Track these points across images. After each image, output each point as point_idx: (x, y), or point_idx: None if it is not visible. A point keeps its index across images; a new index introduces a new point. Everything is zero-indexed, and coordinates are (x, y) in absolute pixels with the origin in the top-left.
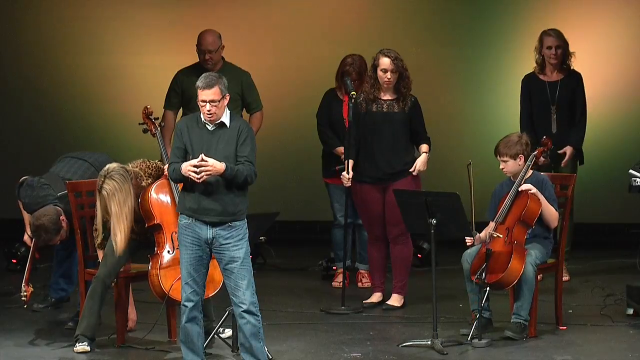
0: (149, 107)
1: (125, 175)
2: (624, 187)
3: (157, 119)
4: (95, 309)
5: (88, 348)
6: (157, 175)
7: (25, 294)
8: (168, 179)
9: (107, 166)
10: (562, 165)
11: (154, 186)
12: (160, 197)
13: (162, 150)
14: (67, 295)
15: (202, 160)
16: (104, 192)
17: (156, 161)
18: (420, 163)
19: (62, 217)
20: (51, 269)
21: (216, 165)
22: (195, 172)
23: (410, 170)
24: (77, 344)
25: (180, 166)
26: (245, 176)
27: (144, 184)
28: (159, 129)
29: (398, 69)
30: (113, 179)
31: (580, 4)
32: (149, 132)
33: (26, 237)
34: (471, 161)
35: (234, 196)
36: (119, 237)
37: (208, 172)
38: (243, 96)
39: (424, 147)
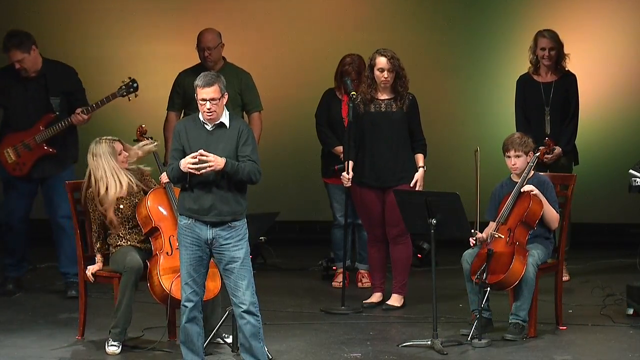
0: (143, 126)
1: (104, 143)
2: (623, 187)
3: (151, 137)
4: (128, 300)
5: (117, 351)
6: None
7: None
8: (165, 187)
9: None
10: (546, 163)
11: (151, 193)
12: (157, 202)
13: (158, 165)
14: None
15: (201, 155)
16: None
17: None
18: (420, 179)
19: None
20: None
21: (217, 160)
22: (194, 167)
23: (410, 185)
24: (110, 343)
25: (178, 164)
26: (248, 172)
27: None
28: (153, 144)
29: (395, 68)
30: (94, 143)
31: (578, 5)
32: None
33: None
34: (478, 148)
35: (233, 196)
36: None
37: (210, 166)
38: (242, 96)
39: (421, 160)
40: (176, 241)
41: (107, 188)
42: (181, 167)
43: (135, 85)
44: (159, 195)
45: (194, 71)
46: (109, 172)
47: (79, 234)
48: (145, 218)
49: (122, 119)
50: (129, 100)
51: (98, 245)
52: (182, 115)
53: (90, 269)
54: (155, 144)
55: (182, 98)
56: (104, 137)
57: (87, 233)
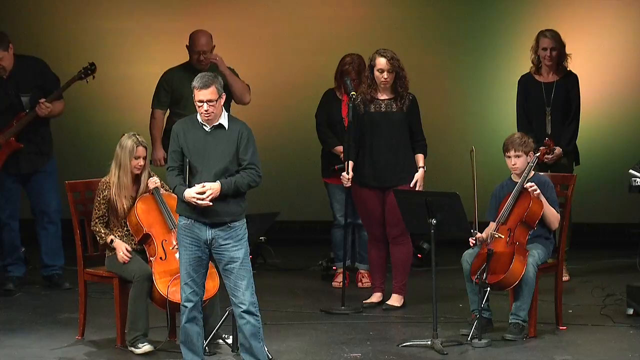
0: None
1: (132, 140)
2: (623, 187)
3: None
4: (145, 307)
5: (151, 347)
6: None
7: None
8: (152, 193)
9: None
10: (547, 162)
11: (139, 200)
12: (146, 209)
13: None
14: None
15: (201, 192)
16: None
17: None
18: (420, 180)
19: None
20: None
21: (213, 187)
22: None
23: (410, 185)
24: (139, 344)
25: (181, 191)
26: (247, 183)
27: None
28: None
29: (394, 69)
30: (126, 135)
31: (579, 5)
32: None
33: None
34: (474, 147)
35: (232, 198)
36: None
37: (211, 197)
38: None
39: (421, 161)
40: (169, 245)
41: (116, 179)
42: (185, 200)
43: (93, 68)
44: (147, 202)
45: (182, 70)
46: (119, 166)
47: (79, 233)
48: (136, 226)
49: (119, 117)
50: (87, 82)
51: (103, 230)
52: (168, 113)
53: (123, 248)
54: (155, 182)
55: (170, 96)
56: (138, 136)
57: (86, 229)
